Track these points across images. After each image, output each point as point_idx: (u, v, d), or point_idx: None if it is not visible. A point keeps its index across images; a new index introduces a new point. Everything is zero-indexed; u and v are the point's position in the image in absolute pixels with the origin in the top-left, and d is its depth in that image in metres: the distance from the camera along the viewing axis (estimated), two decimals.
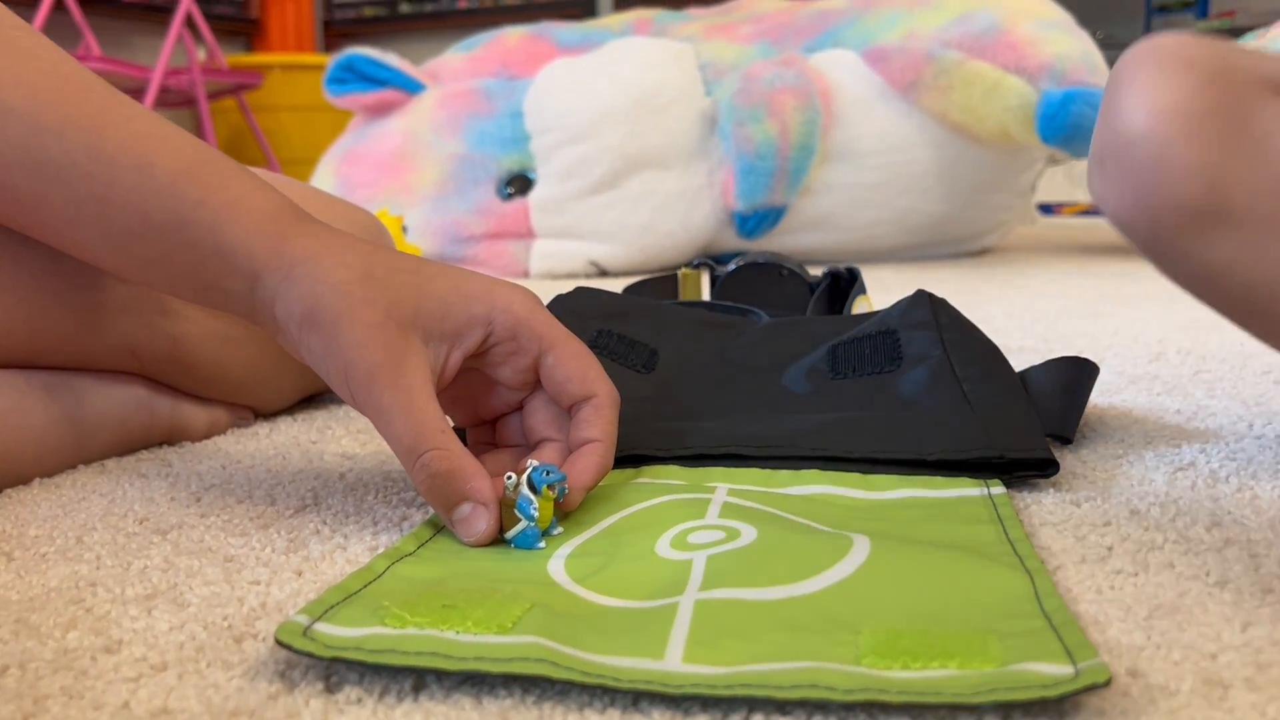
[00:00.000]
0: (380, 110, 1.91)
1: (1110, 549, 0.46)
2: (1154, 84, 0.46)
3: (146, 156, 0.50)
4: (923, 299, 0.67)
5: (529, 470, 0.44)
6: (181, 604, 0.41)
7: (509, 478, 0.44)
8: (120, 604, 0.41)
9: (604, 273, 1.74)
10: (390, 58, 1.89)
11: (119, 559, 0.45)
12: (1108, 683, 0.30)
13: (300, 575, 0.44)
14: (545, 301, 0.72)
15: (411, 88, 1.89)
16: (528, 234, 1.74)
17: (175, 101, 3.38)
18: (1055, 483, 0.55)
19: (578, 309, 0.69)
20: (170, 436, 0.65)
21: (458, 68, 1.93)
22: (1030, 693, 0.30)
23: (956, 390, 0.58)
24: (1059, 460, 0.58)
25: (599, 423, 0.48)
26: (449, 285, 0.48)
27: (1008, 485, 0.54)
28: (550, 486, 0.43)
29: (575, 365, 0.48)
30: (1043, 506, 0.52)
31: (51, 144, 0.49)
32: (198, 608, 0.40)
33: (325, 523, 0.50)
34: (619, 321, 0.70)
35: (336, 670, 0.35)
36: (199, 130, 3.34)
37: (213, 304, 0.51)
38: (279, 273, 0.47)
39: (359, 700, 0.33)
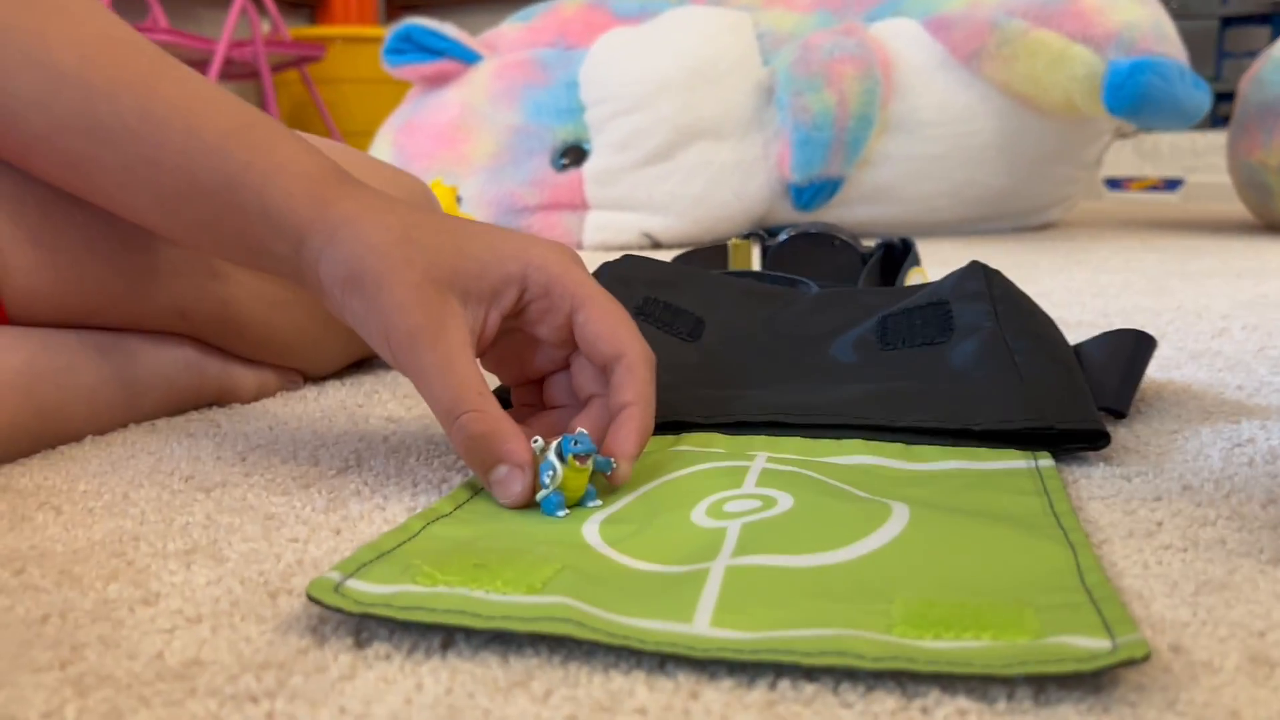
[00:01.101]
0: (437, 81, 1.91)
1: (1160, 524, 0.45)
2: None
3: (195, 119, 0.50)
4: (976, 270, 0.65)
5: (560, 438, 0.44)
6: (220, 559, 0.41)
7: (536, 441, 0.43)
8: (161, 558, 0.41)
9: (657, 244, 1.73)
10: (448, 28, 1.90)
11: (162, 515, 0.46)
12: (1146, 658, 0.30)
13: (338, 534, 0.44)
14: (593, 268, 0.72)
15: (468, 58, 1.89)
16: (582, 205, 1.74)
17: (239, 74, 3.42)
18: (1106, 456, 0.54)
19: (625, 276, 0.69)
20: (220, 398, 0.66)
21: (515, 38, 1.92)
22: (1065, 666, 0.29)
23: (1008, 361, 0.57)
24: (1111, 434, 0.57)
25: (633, 384, 0.47)
26: (485, 245, 0.48)
27: (1057, 458, 0.53)
28: (578, 457, 0.43)
29: (606, 323, 0.48)
30: (1092, 480, 0.50)
31: (102, 106, 0.50)
32: (235, 563, 0.41)
33: (366, 483, 0.50)
34: (666, 290, 0.69)
35: (367, 626, 0.35)
36: (262, 102, 3.38)
37: (261, 267, 0.51)
38: (322, 235, 0.47)
39: (387, 656, 0.33)
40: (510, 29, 1.98)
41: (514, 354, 0.52)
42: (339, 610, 0.33)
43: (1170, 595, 0.38)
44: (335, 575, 0.35)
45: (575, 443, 0.43)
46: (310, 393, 0.70)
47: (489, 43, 1.95)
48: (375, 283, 0.46)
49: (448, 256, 0.47)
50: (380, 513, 0.47)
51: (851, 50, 1.69)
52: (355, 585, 0.35)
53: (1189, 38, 1.81)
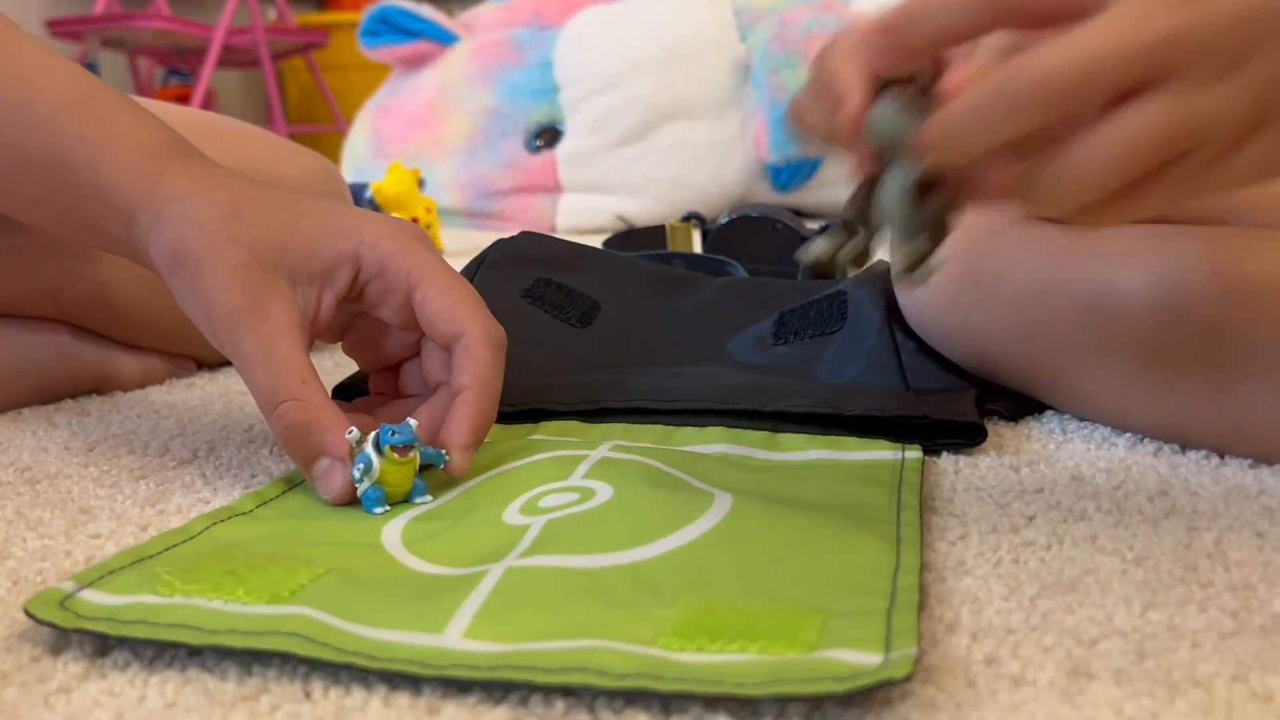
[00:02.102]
0: (414, 63, 1.88)
1: (1031, 518, 0.41)
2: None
3: (28, 91, 0.47)
4: (883, 264, 0.63)
5: (378, 429, 0.41)
6: (3, 557, 0.39)
7: (351, 433, 0.41)
8: None
9: (633, 228, 1.70)
10: (424, 9, 1.87)
11: None
12: (906, 678, 0.26)
13: (145, 530, 0.41)
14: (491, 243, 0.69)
15: (445, 39, 1.86)
16: (555, 188, 1.71)
17: (243, 61, 3.40)
18: (1002, 446, 0.50)
19: (519, 254, 0.66)
20: (99, 385, 0.63)
21: (491, 18, 1.89)
22: (822, 685, 0.26)
23: (891, 355, 0.54)
24: (1003, 429, 0.54)
25: (470, 365, 0.44)
26: (317, 223, 0.45)
27: (935, 452, 0.49)
28: (396, 449, 0.40)
29: (444, 301, 0.44)
30: (976, 470, 0.47)
31: None
32: (19, 561, 0.38)
33: (203, 475, 0.48)
34: (563, 270, 0.66)
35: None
36: (265, 89, 3.37)
37: (101, 246, 0.49)
38: (150, 212, 0.45)
39: (125, 665, 0.31)
40: (487, 9, 1.95)
41: (368, 338, 0.49)
42: (51, 625, 0.30)
43: (1008, 598, 0.34)
44: (69, 585, 0.32)
45: (394, 433, 0.40)
46: (200, 380, 0.67)
47: (466, 23, 1.92)
48: (197, 262, 0.43)
49: (277, 235, 0.44)
50: (203, 507, 0.44)
51: (830, 26, 1.64)
52: (88, 596, 0.32)
53: None
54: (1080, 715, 0.28)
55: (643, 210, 1.66)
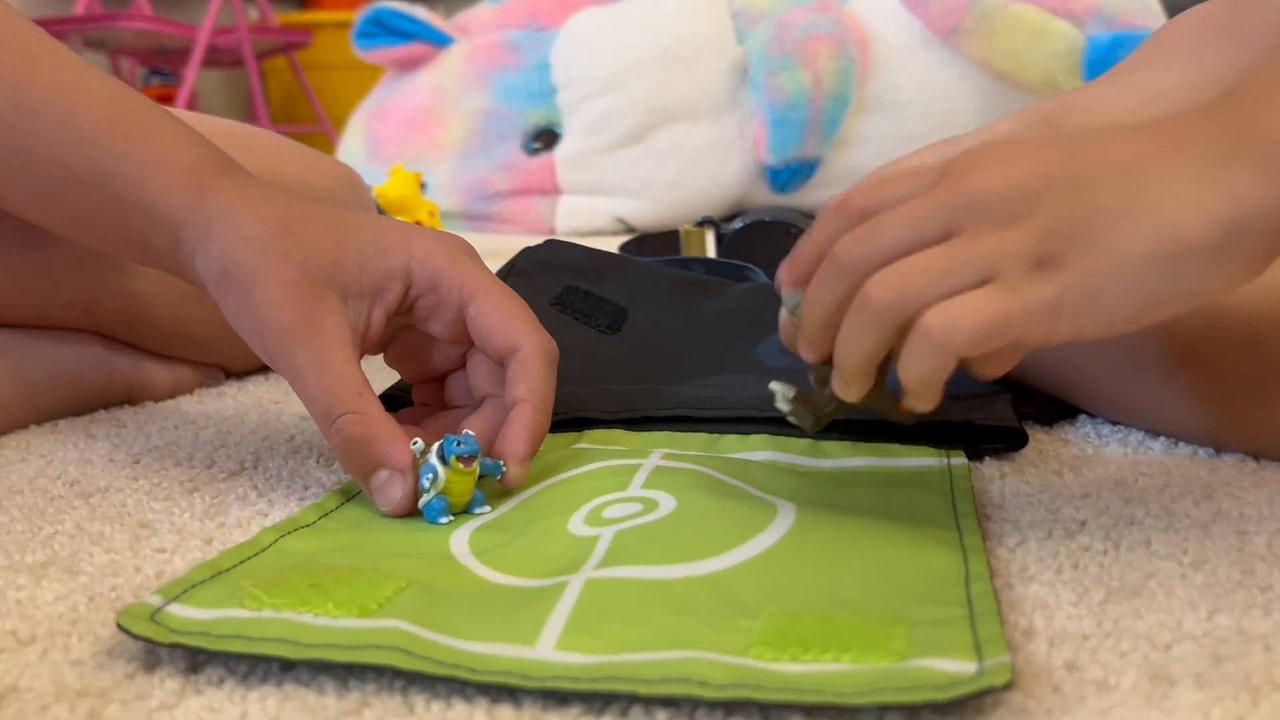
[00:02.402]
0: (409, 65, 1.88)
1: (1083, 523, 0.42)
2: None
3: (71, 107, 0.48)
4: None
5: (442, 440, 0.41)
6: (75, 572, 0.39)
7: (415, 444, 0.41)
8: (12, 572, 0.39)
9: (631, 230, 1.70)
10: (419, 11, 1.86)
11: (30, 523, 0.44)
12: (1007, 686, 0.27)
13: (209, 543, 0.42)
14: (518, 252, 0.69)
15: (440, 41, 1.86)
16: (554, 190, 1.71)
17: (226, 61, 3.38)
18: (1041, 451, 0.51)
19: (546, 262, 0.66)
20: (131, 396, 0.63)
21: (486, 20, 1.89)
22: (921, 694, 0.27)
23: None
24: (1039, 433, 0.54)
25: (525, 379, 0.44)
26: (367, 238, 0.45)
27: (978, 458, 0.50)
28: (462, 459, 0.40)
29: (498, 315, 0.45)
30: (1021, 476, 0.48)
31: None
32: (90, 577, 0.38)
33: (255, 487, 0.48)
34: (589, 278, 0.66)
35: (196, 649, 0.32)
36: (248, 89, 3.35)
37: (144, 261, 0.49)
38: (198, 228, 0.45)
39: (220, 681, 0.31)
40: (483, 11, 1.95)
41: (412, 351, 0.49)
42: (148, 640, 0.31)
43: (1077, 604, 0.35)
44: (156, 600, 0.33)
45: (459, 444, 0.41)
46: (229, 389, 0.67)
47: (461, 25, 1.92)
48: (248, 278, 0.43)
49: (327, 251, 0.44)
50: (261, 520, 0.44)
51: (827, 28, 1.66)
52: (176, 611, 0.32)
53: (1172, 10, 1.78)
54: (1170, 719, 0.28)
55: (641, 212, 1.67)
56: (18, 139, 0.48)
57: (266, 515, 0.44)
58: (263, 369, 0.72)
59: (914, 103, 1.67)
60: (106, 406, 0.62)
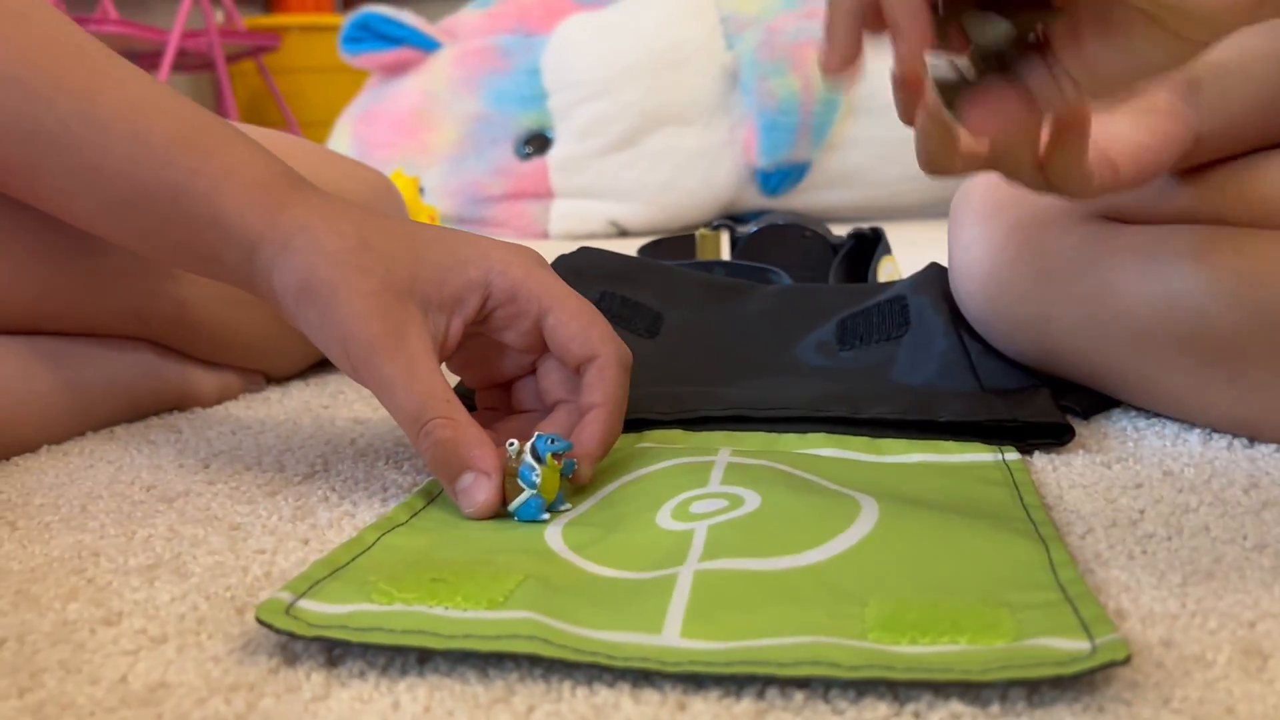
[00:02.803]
0: (397, 69, 1.88)
1: (1142, 512, 0.44)
2: (972, 242, 0.59)
3: (141, 123, 0.48)
4: (934, 269, 0.67)
5: (534, 438, 0.42)
6: (184, 574, 0.40)
7: (511, 444, 0.42)
8: (122, 574, 0.40)
9: (624, 233, 1.72)
10: (406, 15, 1.87)
11: (123, 528, 0.44)
12: (1127, 660, 0.29)
13: (306, 544, 0.43)
14: (553, 260, 0.70)
15: (428, 46, 1.87)
16: (546, 194, 1.72)
17: (194, 65, 3.36)
18: (1084, 445, 0.54)
19: (581, 269, 0.68)
20: (180, 402, 0.64)
21: (474, 25, 1.90)
22: (1044, 670, 0.29)
23: (963, 357, 0.58)
24: (1088, 424, 0.57)
25: (602, 385, 0.46)
26: (445, 251, 0.46)
27: (1027, 452, 0.52)
28: (556, 455, 0.42)
29: (577, 325, 0.46)
30: (1072, 469, 0.50)
31: (44, 112, 0.48)
32: (200, 578, 0.39)
33: (334, 489, 0.49)
34: (624, 283, 0.68)
35: (338, 642, 0.34)
36: (218, 93, 3.33)
37: (212, 274, 0.50)
38: (275, 244, 0.46)
39: (361, 674, 0.32)
40: (470, 16, 1.95)
41: (480, 358, 0.51)
42: (290, 634, 0.32)
43: (1158, 586, 0.37)
44: (286, 596, 0.34)
45: (552, 440, 0.42)
46: (274, 394, 0.68)
47: (448, 30, 1.93)
48: (330, 292, 0.44)
49: (406, 264, 0.45)
50: (350, 520, 0.45)
51: (815, 34, 1.68)
52: (308, 606, 0.33)
53: None
54: (1271, 691, 0.30)
55: (634, 215, 1.69)
56: (88, 154, 0.48)
57: (354, 516, 0.46)
58: (302, 374, 0.73)
59: None
60: (157, 413, 0.63)
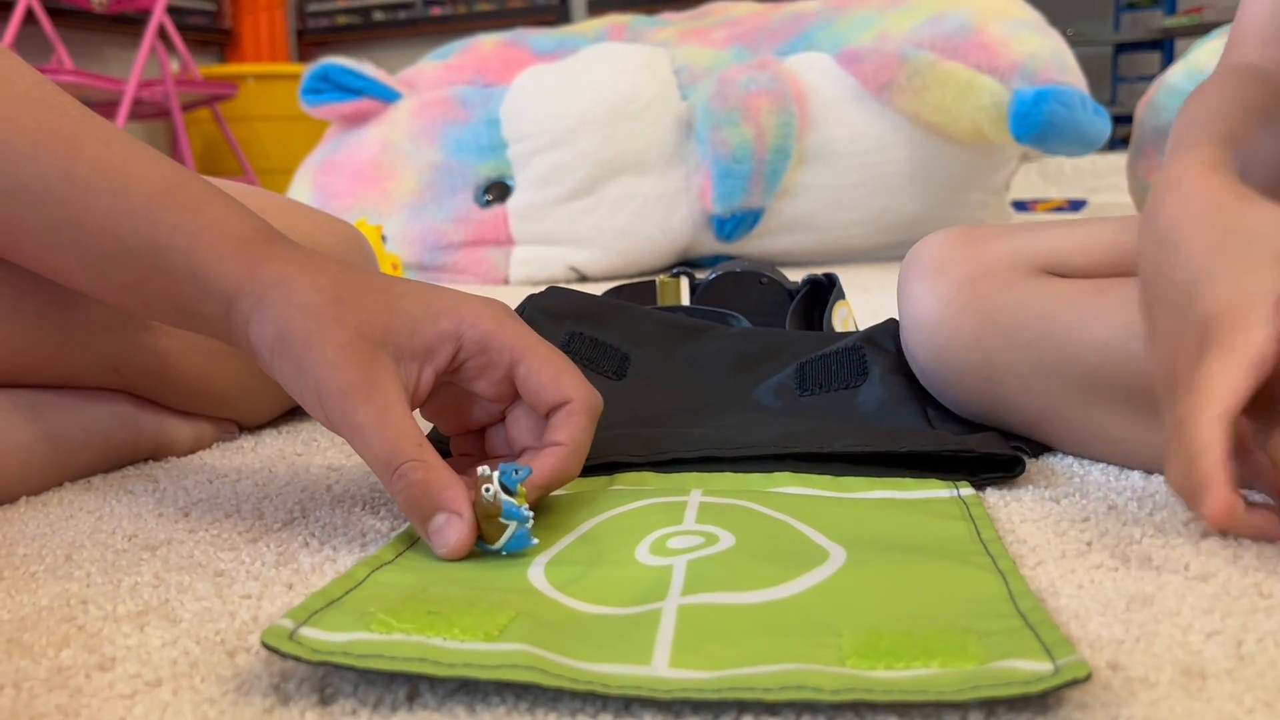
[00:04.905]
0: (357, 120, 1.90)
1: (1090, 544, 0.47)
2: (922, 295, 0.62)
3: (121, 180, 0.50)
4: (891, 322, 0.70)
5: (497, 476, 0.44)
6: (173, 620, 0.41)
7: (486, 490, 0.43)
8: (112, 621, 0.41)
9: (584, 278, 1.74)
10: (365, 67, 1.89)
11: (109, 576, 0.45)
12: (1088, 678, 0.31)
13: (291, 588, 0.44)
14: (517, 302, 0.72)
15: (387, 96, 1.89)
16: (507, 241, 1.75)
17: (150, 114, 3.36)
18: (1033, 480, 0.56)
19: (550, 309, 0.70)
20: (155, 452, 0.65)
21: (433, 76, 1.93)
22: (1013, 689, 0.31)
23: (919, 408, 0.60)
24: (1031, 461, 0.59)
25: (568, 427, 0.48)
26: (418, 303, 0.48)
27: (980, 488, 0.55)
28: (524, 482, 0.44)
29: (549, 373, 0.48)
30: (1022, 504, 0.53)
31: (25, 169, 0.49)
32: (189, 623, 0.40)
33: (314, 535, 0.50)
34: (591, 324, 0.70)
35: (330, 681, 0.35)
36: (174, 142, 3.32)
37: (190, 327, 0.51)
38: (252, 296, 0.47)
39: (354, 711, 0.34)
40: (428, 67, 1.98)
41: (451, 406, 0.52)
42: (296, 658, 0.33)
43: (1104, 613, 0.40)
44: (288, 623, 0.35)
45: (516, 471, 0.44)
46: (247, 443, 0.69)
47: (408, 80, 1.95)
48: (306, 342, 0.46)
49: (380, 315, 0.47)
50: (332, 565, 0.47)
51: (767, 84, 1.73)
52: (310, 633, 0.35)
53: (1085, 63, 1.89)
54: (1210, 709, 0.33)
55: (594, 261, 1.71)
56: (69, 210, 0.49)
57: (335, 560, 0.47)
58: (274, 422, 0.74)
59: (850, 154, 1.74)
60: (134, 463, 0.64)
